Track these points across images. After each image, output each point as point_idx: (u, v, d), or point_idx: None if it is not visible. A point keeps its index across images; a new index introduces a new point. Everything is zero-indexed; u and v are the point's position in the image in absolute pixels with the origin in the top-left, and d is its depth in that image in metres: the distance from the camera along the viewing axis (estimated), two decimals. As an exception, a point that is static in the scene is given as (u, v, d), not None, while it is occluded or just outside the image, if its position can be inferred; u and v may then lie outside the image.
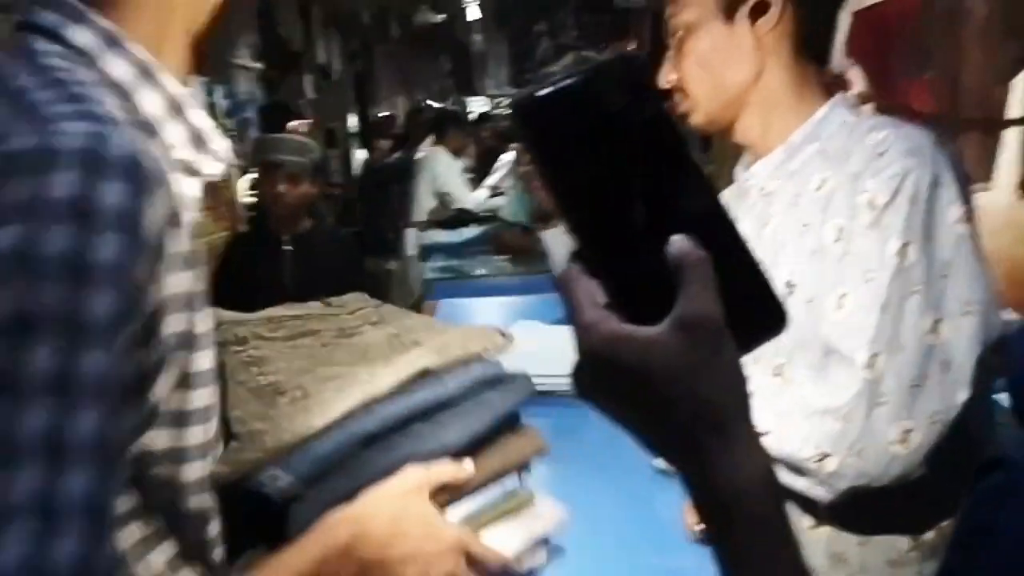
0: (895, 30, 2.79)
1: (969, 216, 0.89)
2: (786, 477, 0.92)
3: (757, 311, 0.43)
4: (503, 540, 0.81)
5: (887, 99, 2.75)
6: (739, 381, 0.41)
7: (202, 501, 0.64)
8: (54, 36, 0.59)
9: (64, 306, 0.47)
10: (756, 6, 0.97)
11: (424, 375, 0.82)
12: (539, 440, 0.87)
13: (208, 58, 0.70)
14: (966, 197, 0.89)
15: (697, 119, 1.03)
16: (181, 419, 0.61)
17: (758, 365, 0.99)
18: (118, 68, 0.59)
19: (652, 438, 0.43)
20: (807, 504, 0.93)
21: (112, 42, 0.60)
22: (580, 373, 0.42)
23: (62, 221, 0.48)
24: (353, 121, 7.24)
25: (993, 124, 2.41)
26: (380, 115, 7.96)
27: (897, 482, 0.87)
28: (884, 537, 0.95)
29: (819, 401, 0.89)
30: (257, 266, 2.47)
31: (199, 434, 0.62)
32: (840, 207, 0.92)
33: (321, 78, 6.21)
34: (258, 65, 4.09)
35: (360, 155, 6.80)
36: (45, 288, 0.47)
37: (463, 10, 9.68)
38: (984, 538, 0.30)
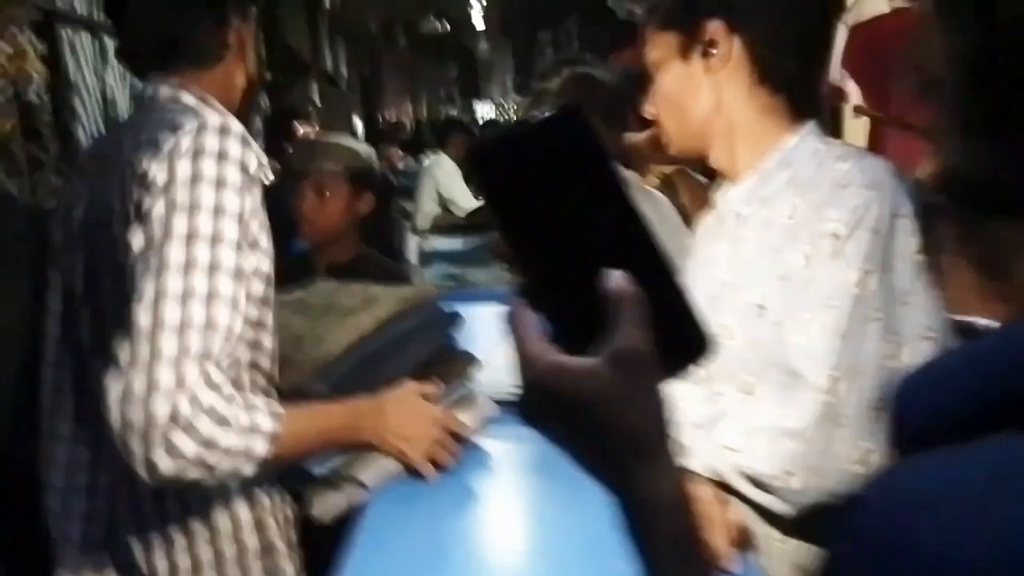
0: (892, 44, 2.83)
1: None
2: (754, 493, 0.96)
3: (685, 339, 0.47)
4: (463, 419, 1.27)
5: (884, 111, 2.78)
6: (663, 411, 0.46)
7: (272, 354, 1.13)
8: (172, 98, 1.08)
9: (214, 201, 0.95)
10: (708, 45, 1.03)
11: (393, 316, 1.28)
12: (472, 360, 1.37)
13: (247, 116, 1.19)
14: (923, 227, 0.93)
15: (673, 149, 1.08)
16: (264, 302, 1.07)
17: (729, 383, 1.03)
18: (212, 117, 1.01)
19: (587, 462, 0.47)
20: (774, 518, 0.97)
21: (204, 101, 1.08)
22: (524, 401, 0.47)
23: (214, 158, 0.97)
24: (360, 127, 7.30)
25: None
26: (388, 120, 8.02)
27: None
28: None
29: (783, 422, 0.94)
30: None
31: (269, 316, 1.09)
32: (806, 235, 0.96)
33: (328, 85, 6.27)
34: (265, 74, 4.14)
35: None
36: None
37: (469, 19, 9.75)
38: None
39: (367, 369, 1.22)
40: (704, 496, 0.96)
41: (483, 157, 0.47)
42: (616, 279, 0.44)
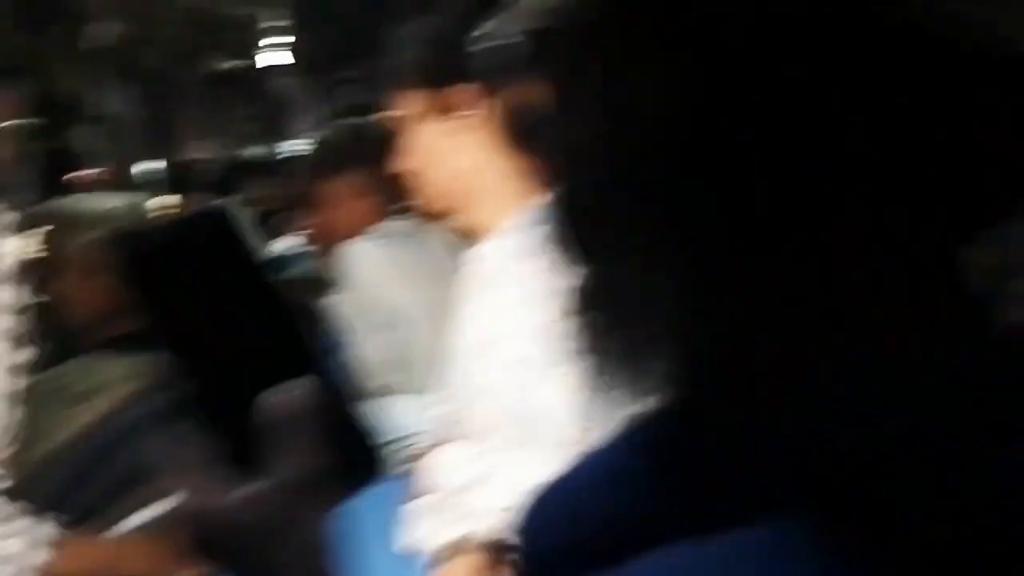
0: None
1: None
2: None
3: (357, 457, 0.45)
4: None
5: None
6: (326, 535, 0.44)
7: None
8: None
9: None
10: (458, 107, 1.03)
11: (126, 400, 1.08)
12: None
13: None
14: None
15: (427, 207, 1.08)
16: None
17: (495, 439, 1.04)
18: None
19: None
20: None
21: None
22: (200, 537, 0.43)
23: None
24: (154, 167, 6.87)
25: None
26: (189, 161, 7.59)
27: None
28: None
29: (540, 475, 0.95)
30: None
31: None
32: (559, 290, 0.98)
33: (109, 125, 5.86)
34: (29, 120, 3.80)
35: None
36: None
37: (267, 55, 9.53)
38: None
39: (89, 472, 1.06)
40: (473, 565, 0.95)
41: (131, 260, 0.43)
42: (277, 398, 0.42)
